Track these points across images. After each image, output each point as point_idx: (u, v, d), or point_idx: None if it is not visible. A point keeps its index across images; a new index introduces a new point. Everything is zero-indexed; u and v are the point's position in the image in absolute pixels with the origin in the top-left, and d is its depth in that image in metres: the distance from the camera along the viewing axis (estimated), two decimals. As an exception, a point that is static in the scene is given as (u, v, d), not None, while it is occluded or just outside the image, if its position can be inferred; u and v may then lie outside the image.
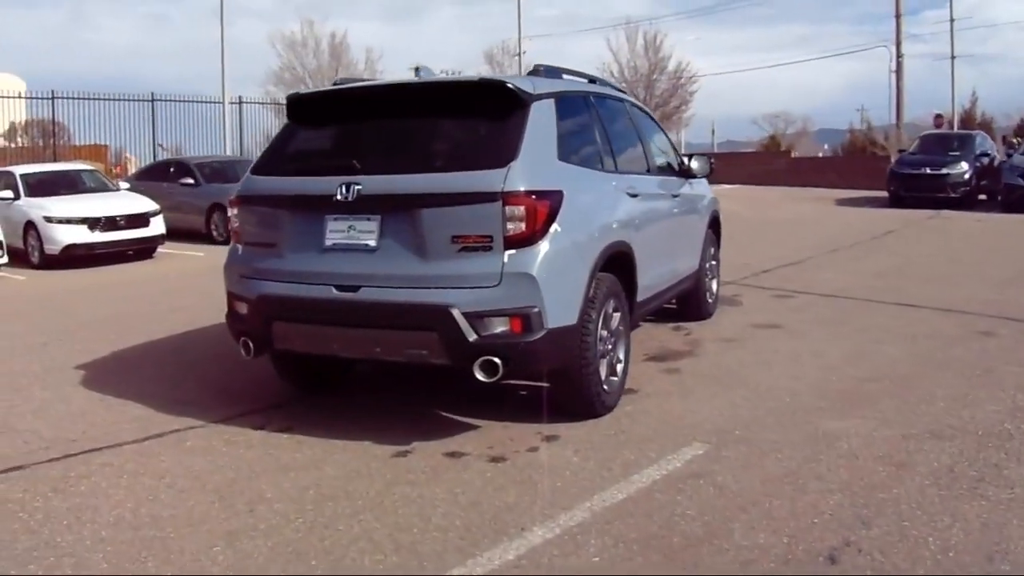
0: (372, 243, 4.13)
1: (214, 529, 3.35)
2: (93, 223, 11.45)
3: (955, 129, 25.31)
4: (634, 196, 5.11)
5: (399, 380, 5.43)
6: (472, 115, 4.31)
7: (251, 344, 4.52)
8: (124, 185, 13.37)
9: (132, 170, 19.38)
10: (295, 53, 34.47)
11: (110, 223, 11.59)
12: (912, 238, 13.08)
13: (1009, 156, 17.92)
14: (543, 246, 3.97)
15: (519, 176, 3.95)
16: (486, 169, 4.00)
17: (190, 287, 9.73)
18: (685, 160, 6.45)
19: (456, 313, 3.89)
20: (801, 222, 16.04)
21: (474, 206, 3.95)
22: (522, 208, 3.91)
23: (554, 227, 4.02)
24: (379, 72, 38.32)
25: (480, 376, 3.97)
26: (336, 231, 4.23)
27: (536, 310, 3.93)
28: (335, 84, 5.12)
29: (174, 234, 13.17)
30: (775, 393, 4.96)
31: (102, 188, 12.82)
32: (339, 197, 4.14)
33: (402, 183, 4.12)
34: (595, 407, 4.47)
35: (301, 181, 4.44)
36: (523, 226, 3.92)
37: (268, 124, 27.88)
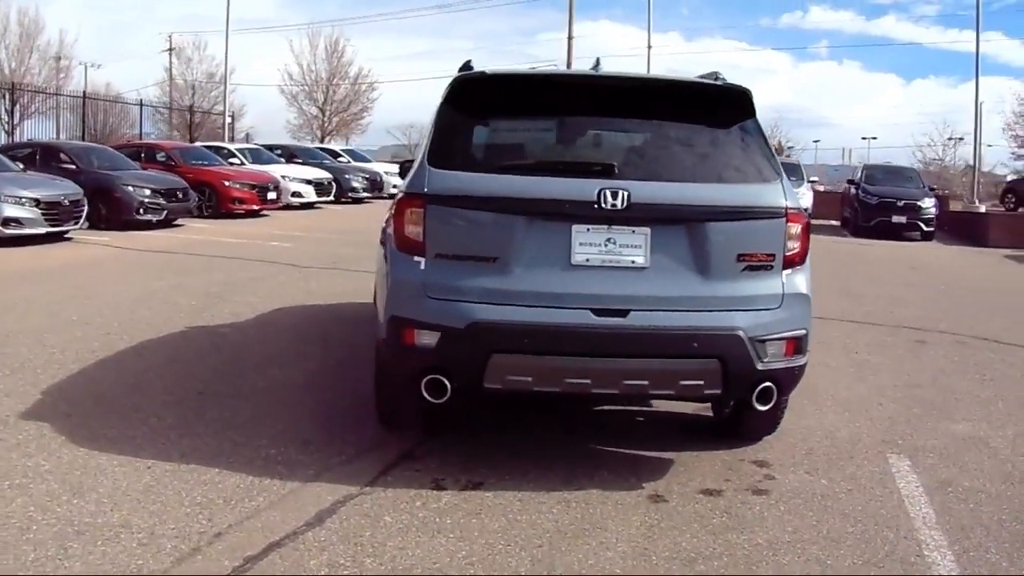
0: (640, 260, 3.62)
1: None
2: None
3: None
4: None
5: (483, 411, 4.80)
6: (714, 121, 3.95)
7: (448, 384, 3.63)
8: None
9: None
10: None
11: None
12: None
13: None
14: (807, 265, 3.87)
15: (788, 192, 3.81)
16: (757, 183, 3.78)
17: (13, 301, 7.46)
18: None
19: (745, 337, 3.59)
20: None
21: (760, 222, 3.74)
22: (799, 226, 3.78)
23: (808, 246, 3.92)
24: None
25: (758, 405, 3.74)
26: (589, 244, 3.62)
27: (805, 332, 3.81)
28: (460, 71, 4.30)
29: None
30: (863, 404, 5.35)
31: None
32: (603, 205, 3.56)
33: (683, 193, 3.69)
34: (778, 426, 4.44)
35: (531, 181, 3.67)
36: (798, 245, 3.79)
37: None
